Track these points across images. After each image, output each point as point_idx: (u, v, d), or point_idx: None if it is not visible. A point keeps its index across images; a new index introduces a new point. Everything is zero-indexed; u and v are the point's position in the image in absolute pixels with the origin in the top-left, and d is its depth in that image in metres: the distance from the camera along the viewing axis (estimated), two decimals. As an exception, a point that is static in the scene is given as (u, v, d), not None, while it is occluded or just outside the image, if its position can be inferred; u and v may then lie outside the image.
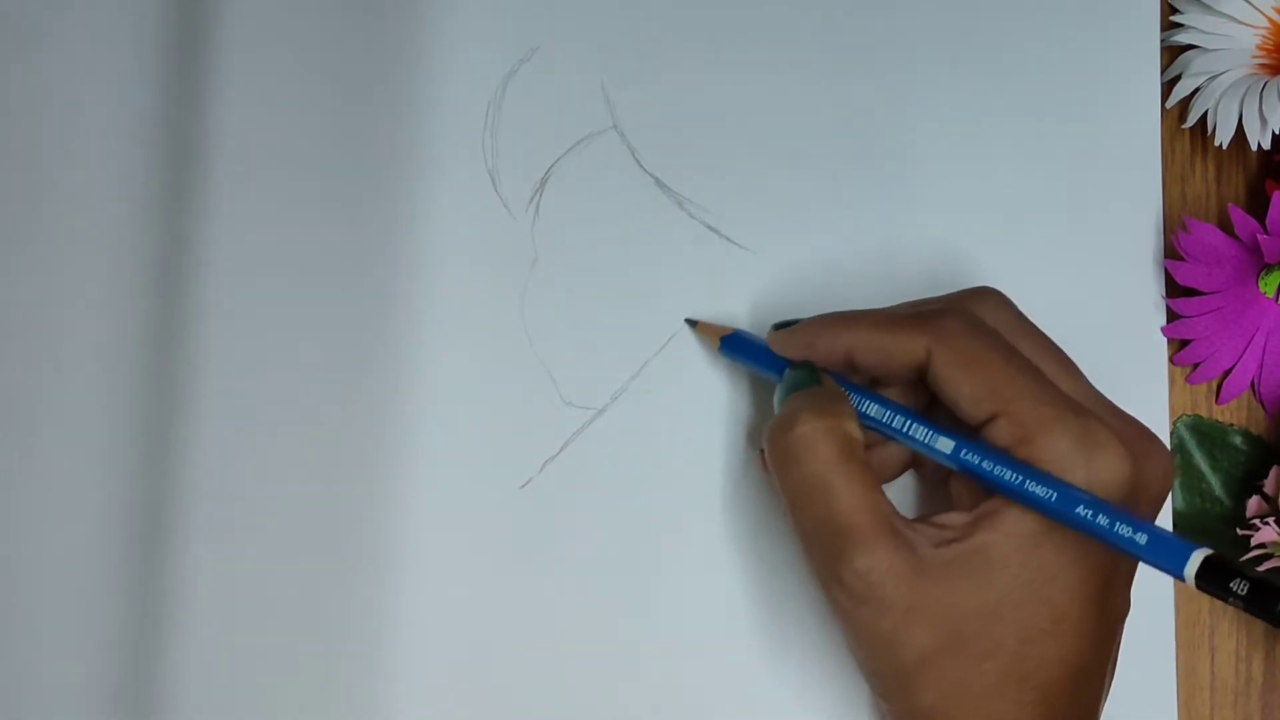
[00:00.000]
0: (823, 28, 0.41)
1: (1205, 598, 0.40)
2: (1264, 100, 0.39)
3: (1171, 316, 0.40)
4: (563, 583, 0.38)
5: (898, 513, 0.32)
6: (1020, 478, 0.30)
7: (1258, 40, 0.41)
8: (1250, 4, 0.40)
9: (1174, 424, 0.41)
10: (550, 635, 0.38)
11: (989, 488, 0.31)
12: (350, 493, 0.38)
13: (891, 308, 0.35)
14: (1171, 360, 0.41)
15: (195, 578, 0.37)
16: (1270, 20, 0.41)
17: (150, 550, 0.37)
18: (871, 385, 0.35)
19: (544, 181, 0.39)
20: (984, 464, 0.31)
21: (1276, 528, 0.38)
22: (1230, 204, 0.40)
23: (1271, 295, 0.40)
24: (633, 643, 0.38)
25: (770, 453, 0.33)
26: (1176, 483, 0.40)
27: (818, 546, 0.32)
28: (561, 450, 0.38)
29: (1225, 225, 0.40)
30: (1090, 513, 0.29)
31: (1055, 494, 0.29)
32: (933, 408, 0.35)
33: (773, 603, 0.38)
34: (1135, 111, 0.41)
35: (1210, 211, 0.42)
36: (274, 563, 0.37)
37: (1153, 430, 0.33)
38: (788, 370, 0.35)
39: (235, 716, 0.37)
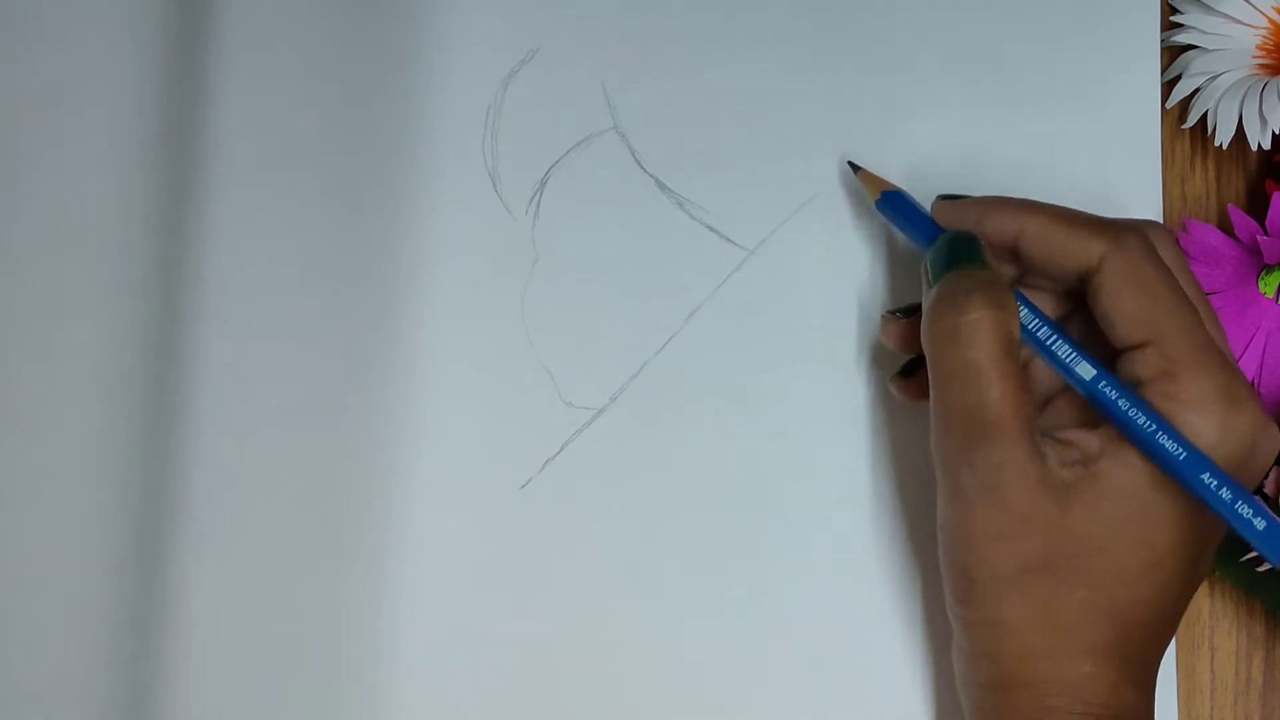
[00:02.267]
0: (823, 28, 0.41)
1: (1205, 598, 0.40)
2: (1264, 100, 0.39)
3: (1171, 317, 0.40)
4: (563, 582, 0.38)
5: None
6: (1153, 426, 0.30)
7: (1258, 40, 0.41)
8: (1250, 4, 0.40)
9: (1174, 424, 0.40)
10: (550, 635, 0.38)
11: (1117, 425, 0.31)
12: (350, 493, 0.38)
13: (1068, 208, 0.34)
14: (1171, 360, 0.41)
15: (195, 578, 0.37)
16: (1270, 20, 0.41)
17: (150, 550, 0.37)
18: (1019, 283, 0.35)
19: (544, 182, 0.40)
20: (1120, 401, 0.30)
21: (1276, 528, 0.38)
22: (1230, 204, 0.40)
23: (1271, 295, 0.40)
24: (633, 643, 0.38)
25: (933, 328, 0.32)
26: (1177, 483, 0.40)
27: (960, 427, 0.32)
28: (561, 450, 0.38)
29: (1225, 226, 0.40)
30: (1215, 482, 0.29)
31: (1184, 453, 0.29)
32: (1066, 324, 0.35)
33: (773, 602, 0.38)
34: (1135, 112, 0.41)
35: (1210, 212, 0.42)
36: (274, 563, 0.37)
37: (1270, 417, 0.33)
38: (949, 237, 0.34)
39: (235, 717, 0.37)
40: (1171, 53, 0.42)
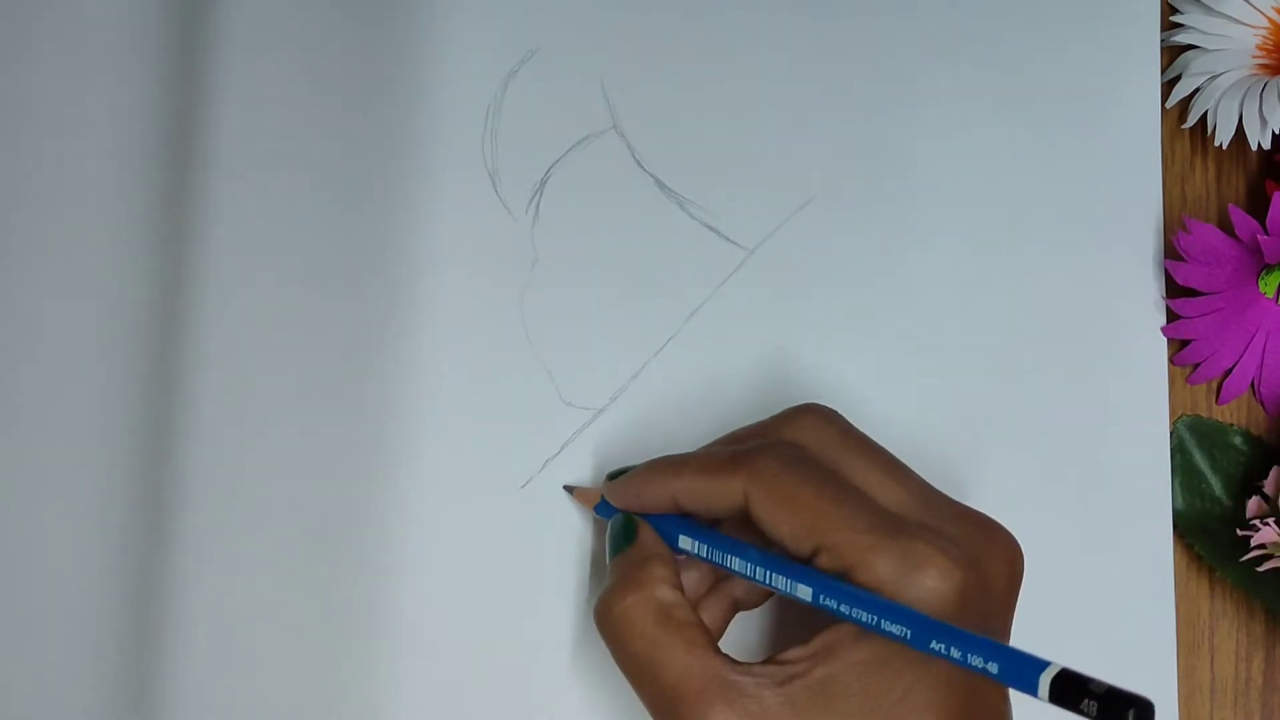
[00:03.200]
0: (823, 28, 0.41)
1: (1205, 598, 0.40)
2: (1264, 100, 0.39)
3: (1171, 317, 0.40)
4: (563, 582, 0.38)
5: (735, 664, 0.31)
6: (875, 618, 0.30)
7: (1258, 40, 0.41)
8: (1250, 4, 0.40)
9: (1174, 424, 0.41)
10: (550, 635, 0.38)
11: (856, 625, 0.31)
12: (350, 493, 0.38)
13: (713, 448, 0.35)
14: (1171, 360, 0.41)
15: (195, 578, 0.37)
16: (1270, 20, 0.41)
17: (150, 551, 0.37)
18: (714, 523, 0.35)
19: (544, 182, 0.40)
20: (841, 607, 0.30)
21: (1276, 528, 0.38)
22: (1230, 204, 0.40)
23: (1271, 295, 0.40)
24: (633, 643, 0.38)
25: (599, 629, 0.33)
26: (1176, 483, 0.40)
27: (659, 715, 0.32)
28: (561, 450, 0.38)
29: (1225, 225, 0.40)
30: (943, 646, 0.29)
31: (910, 631, 0.29)
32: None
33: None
34: (1135, 112, 0.41)
35: (1210, 212, 0.42)
36: (274, 563, 0.37)
37: (994, 521, 0.32)
38: (610, 521, 0.35)
39: (235, 716, 0.37)
40: (1171, 53, 0.42)
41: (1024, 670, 0.28)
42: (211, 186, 0.39)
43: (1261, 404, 0.41)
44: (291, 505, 0.38)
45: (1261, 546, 0.38)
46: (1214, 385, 0.41)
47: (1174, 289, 0.40)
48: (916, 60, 0.41)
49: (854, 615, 0.30)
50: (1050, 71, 0.41)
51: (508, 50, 0.40)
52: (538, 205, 0.39)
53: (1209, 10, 0.41)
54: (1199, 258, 0.39)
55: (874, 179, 0.40)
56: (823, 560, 0.31)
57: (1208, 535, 0.40)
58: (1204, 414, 0.41)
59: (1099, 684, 0.26)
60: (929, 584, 0.30)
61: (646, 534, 0.35)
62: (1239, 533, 0.39)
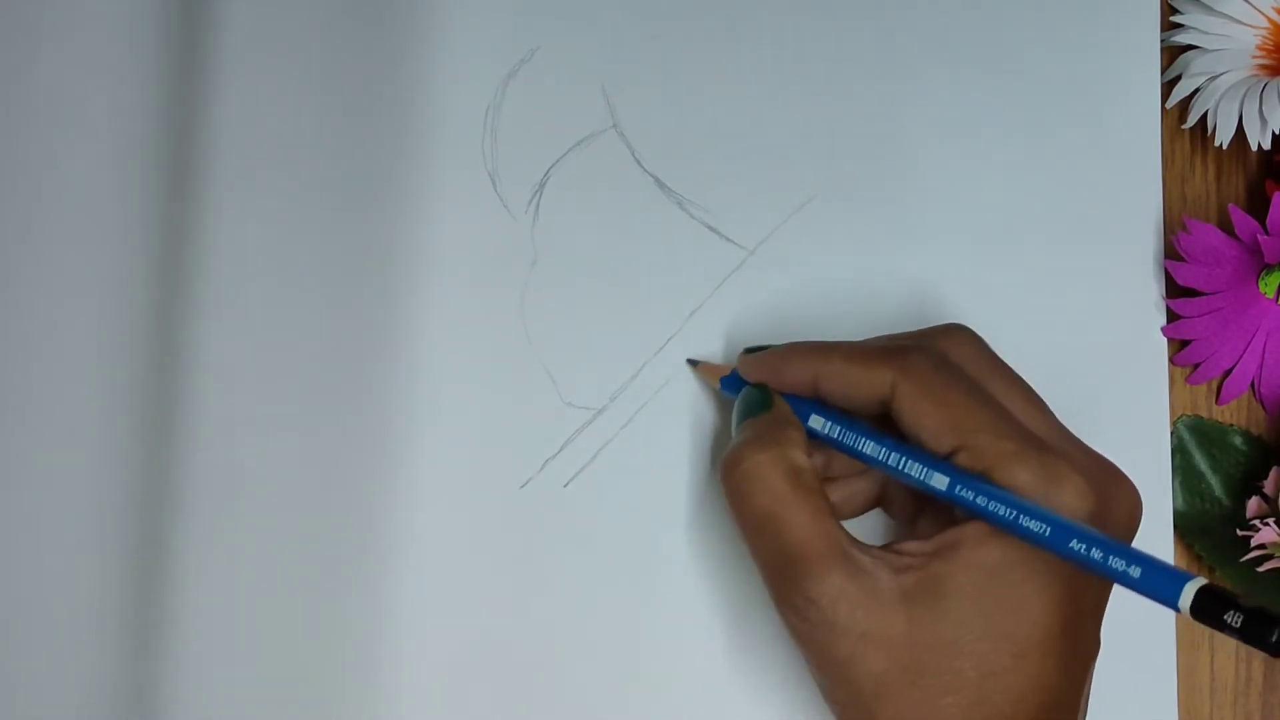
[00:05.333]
0: (823, 27, 0.41)
1: (1205, 598, 0.40)
2: (1264, 100, 0.39)
3: (1171, 317, 0.40)
4: (563, 582, 0.38)
5: (854, 540, 0.32)
6: (1014, 513, 0.30)
7: (1258, 40, 0.41)
8: (1250, 4, 0.40)
9: (1174, 424, 0.41)
10: (550, 635, 0.38)
11: (989, 521, 0.31)
12: (350, 493, 0.38)
13: (862, 341, 0.35)
14: (1171, 360, 0.41)
15: (195, 578, 0.37)
16: (1270, 20, 0.41)
17: (151, 551, 0.37)
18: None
19: (544, 182, 0.40)
20: (978, 499, 0.30)
21: (1276, 528, 0.38)
22: (1230, 204, 0.40)
23: (1271, 295, 0.40)
24: (633, 643, 0.38)
25: (722, 488, 0.33)
26: (1176, 483, 0.40)
27: (773, 575, 0.32)
28: (561, 450, 0.38)
29: (1225, 225, 0.40)
30: (1083, 547, 0.29)
31: (1049, 529, 0.29)
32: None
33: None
34: (1135, 112, 0.41)
35: (1210, 212, 0.42)
36: (274, 563, 0.37)
37: (1122, 471, 0.33)
38: (743, 391, 0.35)
39: (236, 716, 0.37)
40: (1171, 53, 0.42)
41: (1166, 580, 0.28)
42: (211, 186, 0.39)
43: (1261, 404, 0.41)
44: (291, 505, 0.37)
45: (1261, 546, 0.38)
46: (1214, 385, 0.41)
47: (1174, 289, 0.40)
48: (916, 60, 0.41)
49: (990, 509, 0.30)
50: (1050, 71, 0.41)
51: (508, 50, 0.40)
52: (537, 205, 0.39)
53: (1209, 10, 0.41)
54: (1199, 258, 0.39)
55: (874, 179, 0.40)
56: (962, 459, 0.31)
57: (1208, 535, 0.40)
58: (1204, 414, 0.41)
59: (1248, 599, 0.26)
60: (1065, 499, 0.30)
61: (781, 403, 0.34)
62: (1239, 533, 0.39)
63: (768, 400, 0.34)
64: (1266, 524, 0.38)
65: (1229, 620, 0.26)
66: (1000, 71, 0.41)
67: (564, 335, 0.39)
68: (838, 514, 0.33)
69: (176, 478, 0.37)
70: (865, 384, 0.33)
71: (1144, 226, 0.41)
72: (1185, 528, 0.40)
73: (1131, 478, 0.33)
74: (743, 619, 0.38)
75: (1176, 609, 0.27)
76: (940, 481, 0.31)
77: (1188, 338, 0.40)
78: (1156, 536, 0.39)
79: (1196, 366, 0.41)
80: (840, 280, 0.40)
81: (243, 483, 0.37)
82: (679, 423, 0.39)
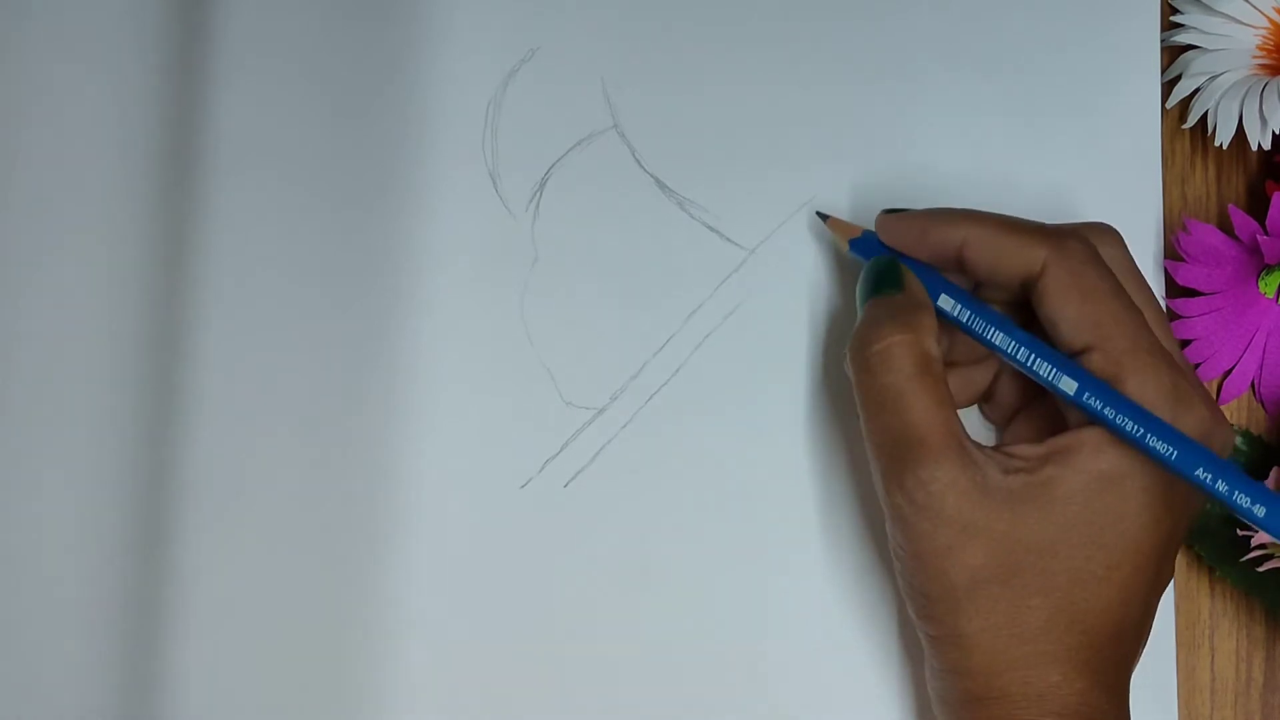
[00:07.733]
0: (823, 26, 0.41)
1: (1205, 598, 0.40)
2: (1264, 100, 0.39)
3: (1171, 317, 0.40)
4: (563, 582, 0.38)
5: (969, 436, 0.32)
6: (1142, 430, 0.30)
7: (1258, 40, 0.41)
8: (1250, 4, 0.40)
9: (1174, 424, 0.40)
10: (551, 635, 0.38)
11: (1114, 432, 0.31)
12: (350, 493, 0.38)
13: (1012, 216, 0.34)
14: (1171, 360, 0.41)
15: (195, 578, 0.37)
16: (1270, 20, 0.41)
17: (150, 550, 0.37)
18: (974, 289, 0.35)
19: (544, 182, 0.40)
20: (1106, 410, 0.30)
21: (1276, 528, 0.38)
22: (1230, 204, 0.40)
23: (1271, 296, 0.40)
24: (634, 642, 0.38)
25: (850, 359, 0.33)
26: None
27: (887, 453, 0.32)
28: (561, 450, 0.38)
29: (1225, 226, 0.40)
30: (1209, 476, 0.29)
31: (1177, 452, 0.29)
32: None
33: (776, 601, 0.38)
34: (1135, 112, 0.41)
35: (1210, 212, 0.42)
36: (274, 562, 0.37)
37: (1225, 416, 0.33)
38: (870, 265, 0.34)
39: (236, 715, 0.37)
40: (1171, 53, 0.42)
41: None
42: (212, 185, 0.39)
43: (1261, 404, 0.41)
44: (292, 505, 0.37)
45: (1262, 546, 0.38)
46: (1214, 385, 0.41)
47: (1174, 289, 0.40)
48: (916, 60, 0.41)
49: (1117, 421, 0.30)
50: (1050, 72, 0.41)
51: (509, 49, 0.40)
52: (538, 204, 0.39)
53: (1209, 10, 0.41)
54: (1199, 258, 0.39)
55: (874, 179, 0.40)
56: (1094, 359, 0.31)
57: (1208, 535, 0.40)
58: (1204, 414, 0.41)
59: None
60: (1190, 423, 0.30)
61: (915, 284, 0.34)
62: (1239, 533, 0.39)
63: (898, 278, 0.34)
64: (1266, 524, 0.38)
65: None
66: (1000, 71, 0.41)
67: (564, 335, 0.39)
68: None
69: (177, 477, 0.37)
70: (1017, 256, 0.32)
71: (1144, 226, 0.41)
72: (1185, 528, 0.40)
73: None
74: (745, 617, 0.38)
75: None
76: (1068, 385, 0.31)
77: (1188, 338, 0.40)
78: (1156, 536, 0.40)
79: (1196, 367, 0.40)
80: (840, 280, 0.40)
81: (243, 482, 0.37)
82: (679, 423, 0.39)
